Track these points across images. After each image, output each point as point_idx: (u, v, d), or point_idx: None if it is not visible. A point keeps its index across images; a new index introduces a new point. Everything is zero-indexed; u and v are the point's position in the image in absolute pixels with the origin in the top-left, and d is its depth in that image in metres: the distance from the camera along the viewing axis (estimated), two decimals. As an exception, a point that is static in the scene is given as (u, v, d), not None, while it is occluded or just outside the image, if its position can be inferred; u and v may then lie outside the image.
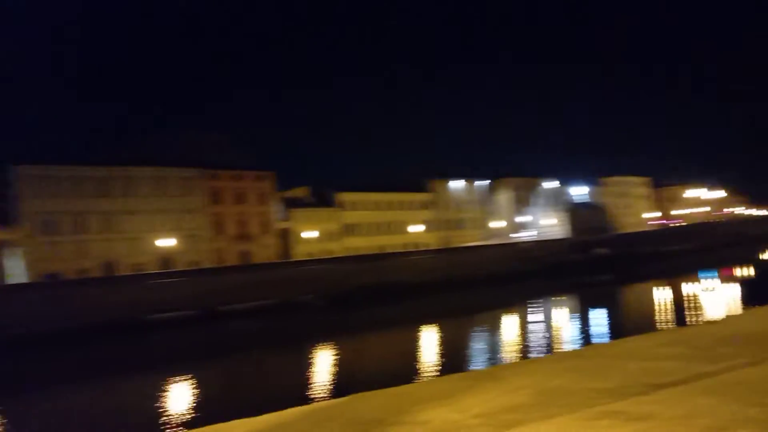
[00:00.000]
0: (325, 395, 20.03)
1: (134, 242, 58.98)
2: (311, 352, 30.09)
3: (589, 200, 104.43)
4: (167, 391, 23.69)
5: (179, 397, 22.88)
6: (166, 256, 60.03)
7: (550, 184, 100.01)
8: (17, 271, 53.72)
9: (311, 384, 22.99)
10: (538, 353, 24.75)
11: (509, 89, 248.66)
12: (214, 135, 72.53)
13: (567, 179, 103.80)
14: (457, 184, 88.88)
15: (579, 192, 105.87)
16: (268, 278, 52.18)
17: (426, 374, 22.08)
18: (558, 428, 2.94)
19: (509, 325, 36.95)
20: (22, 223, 54.10)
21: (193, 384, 24.75)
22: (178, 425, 17.90)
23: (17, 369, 32.68)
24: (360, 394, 4.11)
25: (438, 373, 21.54)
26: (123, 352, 36.74)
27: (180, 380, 25.33)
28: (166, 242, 59.95)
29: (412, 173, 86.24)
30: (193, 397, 22.48)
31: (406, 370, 22.70)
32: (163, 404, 21.49)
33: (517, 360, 22.26)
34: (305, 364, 27.57)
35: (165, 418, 19.23)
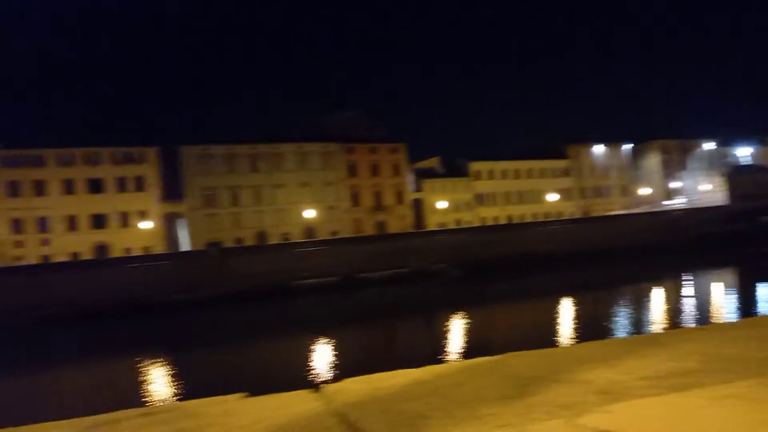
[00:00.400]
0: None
1: (282, 213, 63.67)
2: (447, 319, 30.54)
3: (754, 163, 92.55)
4: (313, 350, 25.52)
5: (324, 355, 24.55)
6: (310, 226, 64.01)
7: (707, 146, 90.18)
8: (184, 240, 60.71)
9: (450, 347, 23.44)
10: (691, 325, 22.89)
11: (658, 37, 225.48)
12: (350, 111, 75.18)
13: (728, 140, 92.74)
14: (598, 149, 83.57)
15: (742, 153, 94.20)
16: (403, 248, 53.58)
17: (565, 344, 21.47)
18: (736, 391, 2.80)
19: (659, 298, 34.46)
20: (188, 197, 60.72)
21: (335, 345, 26.40)
22: (326, 379, 19.25)
23: (184, 329, 37.14)
24: (513, 353, 4.18)
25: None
26: (271, 315, 40.06)
27: (323, 341, 27.15)
28: (309, 213, 63.86)
29: (549, 139, 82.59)
30: (336, 356, 23.99)
31: (547, 339, 22.22)
32: (310, 361, 23.25)
33: (686, 327, 20.78)
34: (441, 330, 28.10)
35: (313, 372, 20.81)
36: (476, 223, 69.97)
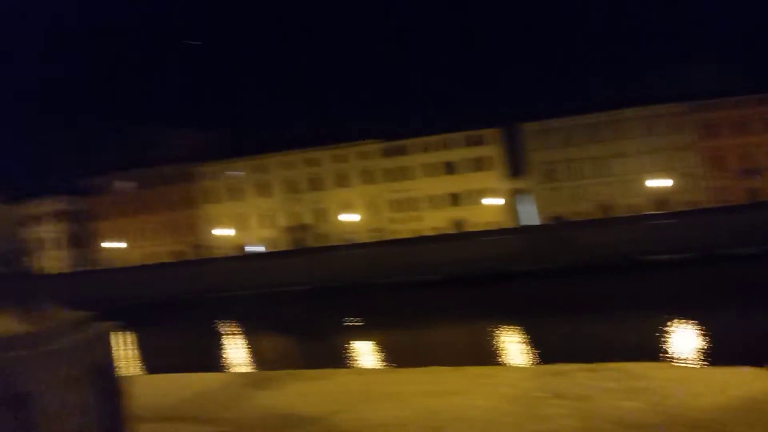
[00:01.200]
0: None
1: (626, 184, 60.40)
2: None
3: None
4: (668, 331, 24.24)
5: (683, 338, 23.12)
6: (660, 197, 58.97)
7: None
8: (529, 215, 63.60)
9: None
10: None
11: None
12: (705, 65, 65.37)
13: None
14: None
15: None
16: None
17: None
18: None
19: None
20: (529, 173, 63.26)
21: (694, 327, 24.45)
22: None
23: (541, 298, 39.29)
24: None
25: None
26: (618, 290, 38.83)
27: (679, 323, 25.41)
28: (658, 183, 58.79)
29: None
30: (699, 340, 22.34)
31: None
32: (666, 342, 22.27)
33: None
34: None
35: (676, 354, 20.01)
36: None
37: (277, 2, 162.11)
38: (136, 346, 30.94)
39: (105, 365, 2.51)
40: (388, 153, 67.17)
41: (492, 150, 64.87)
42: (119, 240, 72.65)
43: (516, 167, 64.89)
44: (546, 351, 21.97)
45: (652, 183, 59.18)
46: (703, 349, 21.41)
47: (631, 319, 27.88)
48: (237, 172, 70.88)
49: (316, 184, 69.01)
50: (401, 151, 66.94)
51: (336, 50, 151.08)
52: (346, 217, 66.87)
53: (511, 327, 28.24)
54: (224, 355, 28.69)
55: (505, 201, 63.96)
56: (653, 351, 20.72)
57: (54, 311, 2.43)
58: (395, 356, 23.59)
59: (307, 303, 46.81)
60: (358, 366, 22.45)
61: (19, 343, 1.96)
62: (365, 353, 25.94)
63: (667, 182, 58.73)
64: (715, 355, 19.35)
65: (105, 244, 72.79)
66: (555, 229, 52.47)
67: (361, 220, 66.76)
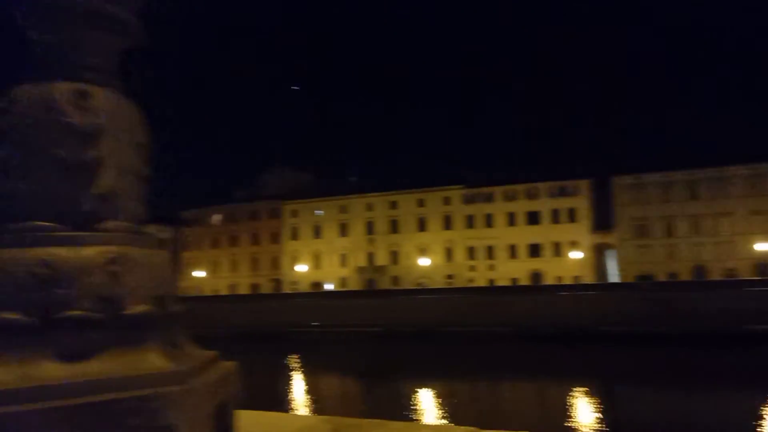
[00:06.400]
0: None
1: (726, 245, 56.16)
2: None
3: None
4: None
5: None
6: (764, 261, 54.31)
7: None
8: (612, 271, 60.41)
9: None
10: None
11: None
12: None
13: None
14: None
15: None
16: None
17: None
18: None
19: None
20: (618, 228, 60.38)
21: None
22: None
23: (620, 363, 36.69)
24: None
25: None
26: (723, 362, 35.52)
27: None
28: (763, 246, 54.26)
29: None
30: None
31: None
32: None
33: None
34: None
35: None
36: None
37: (364, 48, 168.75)
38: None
39: (229, 403, 2.55)
40: (469, 199, 66.58)
41: (579, 202, 62.73)
42: (203, 270, 75.84)
43: (604, 221, 62.20)
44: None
45: (756, 246, 54.65)
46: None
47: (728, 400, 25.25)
48: (320, 211, 72.69)
49: (395, 227, 69.35)
50: (484, 198, 66.17)
51: (424, 95, 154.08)
52: (421, 261, 66.43)
53: (578, 395, 26.39)
54: (297, 394, 28.59)
55: (589, 255, 61.21)
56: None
57: (192, 349, 2.49)
58: (464, 411, 22.53)
59: (378, 345, 46.32)
60: (437, 420, 21.53)
61: (167, 380, 2.06)
62: (441, 404, 24.98)
63: (772, 247, 54.11)
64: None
65: (192, 273, 76.20)
66: (644, 288, 49.28)
67: (437, 265, 66.04)
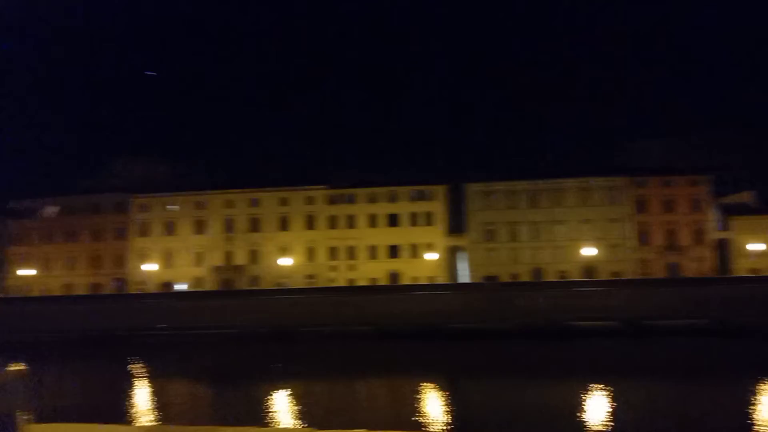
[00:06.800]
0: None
1: (560, 250, 62.42)
2: (758, 390, 25.75)
3: None
4: (586, 398, 24.39)
5: (598, 408, 23.29)
6: (589, 265, 61.22)
7: None
8: (462, 272, 64.39)
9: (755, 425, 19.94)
10: None
11: None
12: (642, 141, 70.14)
13: None
14: None
15: None
16: (702, 295, 47.11)
17: None
18: None
19: None
20: (469, 232, 64.38)
21: (612, 396, 24.75)
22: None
23: (470, 357, 39.12)
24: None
25: None
26: (547, 354, 39.32)
27: (601, 391, 25.70)
28: (589, 251, 61.14)
29: None
30: (612, 410, 22.56)
31: None
32: (582, 411, 22.32)
33: None
34: (749, 401, 23.87)
35: (582, 425, 20.02)
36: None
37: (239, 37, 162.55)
38: (34, 389, 28.05)
39: (12, 413, 2.06)
40: (333, 200, 66.84)
41: (436, 206, 65.84)
42: (35, 267, 67.57)
43: (457, 225, 65.96)
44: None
45: (583, 251, 61.41)
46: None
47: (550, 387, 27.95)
48: (173, 206, 68.27)
49: (256, 225, 67.40)
50: (347, 199, 66.81)
51: (288, 92, 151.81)
52: (282, 261, 65.33)
53: (428, 387, 27.73)
54: (131, 404, 26.23)
55: (443, 257, 64.53)
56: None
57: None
58: (308, 413, 22.40)
59: (233, 348, 44.64)
60: (274, 424, 20.97)
61: None
62: (282, 409, 24.53)
63: (596, 251, 61.08)
64: None
65: (19, 271, 67.44)
66: (488, 288, 53.07)
67: (298, 265, 65.42)
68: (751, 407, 22.80)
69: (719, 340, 41.35)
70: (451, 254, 65.87)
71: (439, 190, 66.17)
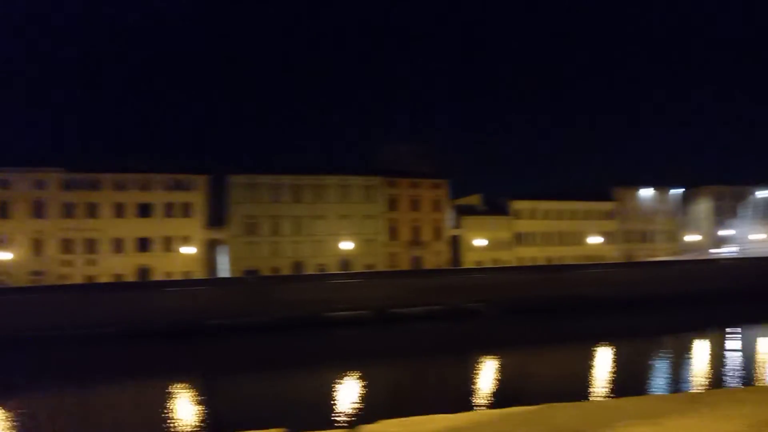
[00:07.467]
0: (492, 405, 19.89)
1: (319, 244, 64.31)
2: (478, 361, 30.00)
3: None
4: (346, 385, 25.38)
5: (357, 392, 24.39)
6: (346, 259, 64.39)
7: (761, 193, 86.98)
8: (223, 267, 61.98)
9: (478, 393, 22.97)
10: (735, 385, 21.85)
11: (712, 84, 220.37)
12: (399, 144, 76.39)
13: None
14: (645, 193, 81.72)
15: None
16: (438, 284, 53.11)
17: (601, 396, 20.75)
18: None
19: (701, 351, 33.05)
20: (231, 225, 62.17)
21: (368, 381, 26.19)
22: (350, 418, 19.11)
23: (219, 355, 37.52)
24: (553, 404, 4.17)
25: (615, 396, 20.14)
26: (306, 345, 40.08)
27: (350, 377, 26.99)
28: (346, 245, 64.31)
29: (595, 181, 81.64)
30: (368, 394, 23.80)
31: (579, 389, 21.60)
32: (343, 397, 23.10)
33: (734, 387, 19.94)
34: (472, 372, 27.59)
35: (333, 410, 20.66)
36: (514, 263, 69.00)
37: None
38: None
39: None
40: (70, 185, 57.93)
41: (195, 197, 61.92)
42: None
43: (218, 218, 63.09)
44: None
45: (341, 245, 64.30)
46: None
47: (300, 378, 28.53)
48: None
49: (-40, 211, 54.85)
50: (89, 185, 58.52)
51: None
52: (-1, 255, 54.43)
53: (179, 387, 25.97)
54: None
55: (201, 251, 61.17)
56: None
57: None
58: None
59: None
60: None
61: None
62: None
63: (352, 245, 64.58)
64: (330, 417, 20.85)
65: None
66: (248, 283, 51.93)
67: (21, 259, 55.22)
68: (473, 375, 26.25)
69: (452, 323, 47.08)
70: (211, 248, 62.82)
71: (200, 180, 62.53)
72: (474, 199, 77.50)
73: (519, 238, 73.67)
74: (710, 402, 4.14)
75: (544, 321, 46.13)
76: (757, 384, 21.52)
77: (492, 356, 31.40)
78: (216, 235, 62.54)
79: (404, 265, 66.77)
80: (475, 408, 18.93)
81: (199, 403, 23.28)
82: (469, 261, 69.27)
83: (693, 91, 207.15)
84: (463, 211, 72.72)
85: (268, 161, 73.44)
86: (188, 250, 60.08)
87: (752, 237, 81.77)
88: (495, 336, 41.19)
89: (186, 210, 61.39)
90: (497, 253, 71.05)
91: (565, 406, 4.05)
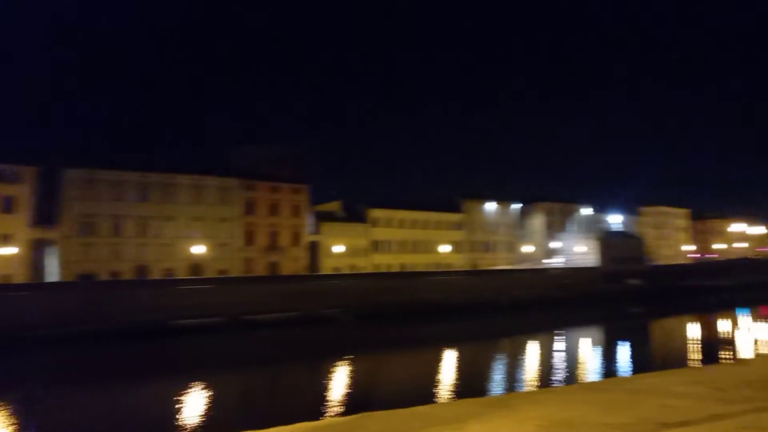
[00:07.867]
0: (339, 412, 20.05)
1: (167, 248, 60.23)
2: (330, 367, 30.13)
3: (623, 229, 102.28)
4: (182, 397, 23.93)
5: (193, 404, 23.11)
6: (197, 263, 61.12)
7: (585, 211, 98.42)
8: (52, 270, 55.47)
9: (326, 400, 23.01)
10: (557, 384, 24.31)
11: (548, 115, 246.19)
12: (257, 146, 74.25)
13: (603, 207, 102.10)
14: (489, 206, 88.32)
15: (614, 220, 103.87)
16: (295, 290, 52.58)
17: (440, 398, 21.88)
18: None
19: (531, 353, 36.35)
20: (63, 224, 55.91)
21: (208, 392, 25.00)
22: None
23: (33, 369, 33.55)
24: (367, 413, 4.15)
25: (453, 397, 21.36)
26: (146, 356, 37.29)
27: (197, 387, 25.62)
28: (198, 249, 61.06)
29: (447, 192, 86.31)
30: (205, 406, 22.71)
31: (421, 392, 22.58)
32: (175, 410, 21.72)
33: (533, 389, 21.97)
34: (323, 379, 27.61)
35: (174, 424, 19.46)
36: (370, 270, 70.52)
37: None
38: None
39: None
40: None
41: (21, 190, 54.73)
42: None
43: (48, 215, 56.33)
44: None
45: (193, 249, 60.89)
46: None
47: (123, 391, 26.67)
48: None
49: None
50: None
51: None
52: None
53: None
54: None
55: (25, 252, 54.26)
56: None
57: None
58: None
59: None
60: None
61: None
62: None
63: (204, 249, 61.47)
64: None
65: None
66: (83, 288, 47.13)
67: None
68: (325, 382, 26.26)
69: (307, 330, 46.74)
70: (38, 249, 55.94)
71: (27, 172, 55.44)
72: (334, 206, 78.05)
73: (375, 246, 75.53)
74: (514, 404, 4.40)
75: (397, 326, 47.63)
76: (569, 384, 24.03)
77: (345, 362, 31.68)
78: (45, 234, 55.85)
79: (260, 270, 65.09)
80: (315, 415, 18.84)
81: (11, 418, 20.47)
82: (327, 267, 69.47)
83: (538, 117, 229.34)
84: (323, 218, 72.86)
85: (110, 157, 67.35)
86: (9, 250, 52.95)
87: (577, 250, 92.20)
88: (349, 342, 41.62)
89: (9, 205, 54.07)
90: (354, 259, 72.14)
91: (377, 414, 4.05)
